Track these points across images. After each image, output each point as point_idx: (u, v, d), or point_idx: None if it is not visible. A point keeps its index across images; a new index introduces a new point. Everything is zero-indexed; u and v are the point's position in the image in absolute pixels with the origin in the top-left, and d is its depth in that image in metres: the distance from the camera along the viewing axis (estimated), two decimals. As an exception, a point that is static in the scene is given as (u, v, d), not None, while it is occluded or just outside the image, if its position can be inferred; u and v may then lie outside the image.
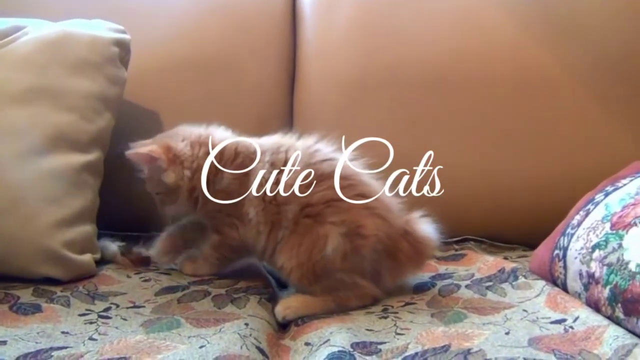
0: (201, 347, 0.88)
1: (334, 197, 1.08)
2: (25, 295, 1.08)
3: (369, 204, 1.09)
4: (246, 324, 0.97)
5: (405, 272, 1.15)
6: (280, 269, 1.12)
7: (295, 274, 1.09)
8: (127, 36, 1.38)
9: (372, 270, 1.10)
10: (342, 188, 1.08)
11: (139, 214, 1.44)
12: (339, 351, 0.88)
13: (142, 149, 1.14)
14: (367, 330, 0.98)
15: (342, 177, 1.09)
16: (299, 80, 1.57)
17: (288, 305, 1.07)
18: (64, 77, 1.26)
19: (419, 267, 1.17)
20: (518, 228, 1.42)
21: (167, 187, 1.16)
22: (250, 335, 0.93)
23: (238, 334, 0.92)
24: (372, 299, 1.10)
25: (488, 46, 1.49)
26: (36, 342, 0.90)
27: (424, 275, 1.22)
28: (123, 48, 1.36)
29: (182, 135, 1.18)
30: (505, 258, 1.31)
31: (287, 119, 1.55)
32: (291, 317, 1.06)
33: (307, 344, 0.95)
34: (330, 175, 1.09)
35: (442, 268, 1.27)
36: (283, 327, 1.06)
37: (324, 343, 0.92)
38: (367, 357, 0.88)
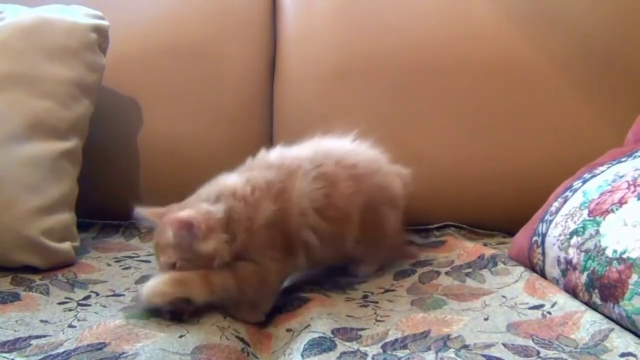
0: (180, 336, 0.88)
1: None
2: (4, 283, 1.07)
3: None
4: (224, 317, 0.96)
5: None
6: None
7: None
8: (105, 22, 1.36)
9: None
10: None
11: (118, 202, 1.43)
12: (319, 337, 0.88)
13: (182, 213, 0.99)
14: (348, 316, 0.98)
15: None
16: (280, 67, 1.56)
17: None
18: (41, 63, 1.25)
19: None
20: (497, 214, 1.43)
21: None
22: (229, 326, 0.93)
23: (217, 325, 0.92)
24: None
25: (469, 34, 1.49)
26: (15, 330, 0.89)
27: (404, 262, 1.23)
28: (101, 34, 1.35)
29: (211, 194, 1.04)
30: (485, 244, 1.31)
31: (268, 105, 1.54)
32: None
33: (288, 330, 0.95)
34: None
35: (423, 255, 1.28)
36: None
37: (304, 328, 0.92)
38: (347, 343, 0.88)
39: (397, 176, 1.23)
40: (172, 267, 0.98)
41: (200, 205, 1.01)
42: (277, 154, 1.12)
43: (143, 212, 1.04)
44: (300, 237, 1.06)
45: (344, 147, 1.18)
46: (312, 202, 1.06)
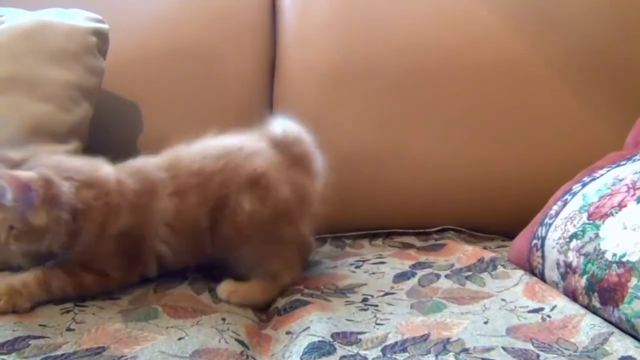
0: (180, 339, 0.88)
1: (224, 176, 1.06)
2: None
3: (245, 153, 1.08)
4: (223, 319, 0.96)
5: (313, 165, 1.12)
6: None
7: (225, 247, 1.08)
8: (105, 26, 1.36)
9: (293, 191, 1.07)
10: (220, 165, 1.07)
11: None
12: (319, 341, 0.88)
13: (22, 174, 0.94)
14: (347, 320, 0.98)
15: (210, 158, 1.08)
16: (279, 70, 1.57)
17: (234, 288, 1.07)
18: (41, 66, 1.25)
19: (316, 156, 1.13)
20: (497, 218, 1.43)
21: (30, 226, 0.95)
22: (228, 329, 0.93)
23: (216, 328, 0.92)
24: (298, 270, 1.13)
25: (467, 37, 1.50)
26: (13, 330, 0.89)
27: (404, 265, 1.23)
28: (101, 38, 1.35)
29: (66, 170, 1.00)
30: (485, 248, 1.31)
31: (267, 108, 1.54)
32: (236, 301, 1.05)
33: (288, 332, 0.95)
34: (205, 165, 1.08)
35: (422, 258, 1.27)
36: (266, 316, 1.07)
37: (303, 330, 0.92)
38: (347, 347, 0.88)
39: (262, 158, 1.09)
40: (10, 229, 0.95)
41: (48, 172, 0.96)
42: (142, 162, 1.10)
43: None
44: (153, 248, 1.05)
45: (194, 149, 1.11)
46: (164, 219, 1.04)
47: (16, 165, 0.97)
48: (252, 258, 1.09)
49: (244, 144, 1.10)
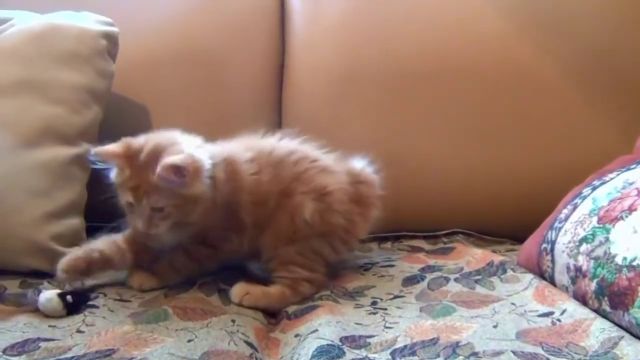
0: (189, 341, 0.88)
1: (298, 171, 1.14)
2: (13, 287, 1.07)
3: (323, 166, 1.17)
4: (233, 321, 0.96)
5: (371, 210, 1.21)
6: (262, 256, 1.15)
7: (272, 243, 1.13)
8: (115, 29, 1.37)
9: (346, 221, 1.16)
10: (296, 162, 1.15)
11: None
12: (327, 344, 0.88)
13: (173, 158, 1.01)
14: (356, 324, 0.98)
15: (290, 154, 1.16)
16: (288, 74, 1.57)
17: (247, 290, 1.08)
18: (51, 69, 1.26)
19: (377, 204, 1.22)
20: (506, 221, 1.43)
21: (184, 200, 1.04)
22: (238, 331, 0.93)
23: (225, 330, 0.92)
24: (321, 286, 1.13)
25: (477, 40, 1.50)
26: (23, 332, 0.90)
27: (413, 268, 1.23)
28: (111, 41, 1.35)
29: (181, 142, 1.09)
30: (494, 251, 1.31)
31: (276, 112, 1.54)
32: (248, 304, 1.06)
33: (296, 335, 0.95)
34: (285, 157, 1.16)
35: (432, 261, 1.27)
36: (275, 318, 1.07)
37: (312, 333, 0.92)
38: (356, 351, 0.88)
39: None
40: (160, 211, 1.04)
41: (182, 148, 1.05)
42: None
43: (101, 151, 1.06)
44: (244, 220, 1.12)
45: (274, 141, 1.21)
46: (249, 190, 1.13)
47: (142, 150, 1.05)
48: (285, 262, 1.12)
49: (321, 158, 1.19)
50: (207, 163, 1.05)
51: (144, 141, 1.07)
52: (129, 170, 1.04)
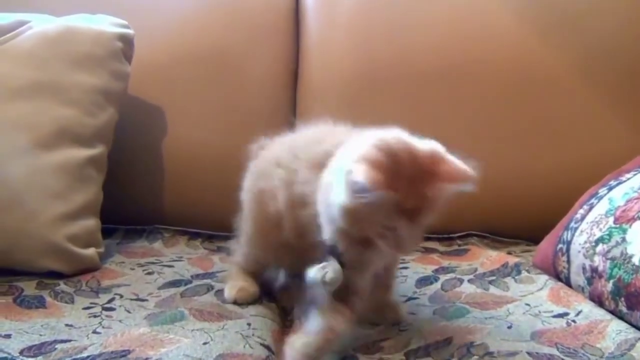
0: (205, 343, 0.88)
1: None
2: (29, 288, 1.08)
3: None
4: (248, 324, 0.96)
5: None
6: None
7: None
8: (130, 31, 1.38)
9: None
10: None
11: (143, 207, 1.45)
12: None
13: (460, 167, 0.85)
14: (370, 325, 0.98)
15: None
16: (302, 75, 1.57)
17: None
18: (67, 71, 1.26)
19: None
20: (522, 222, 1.42)
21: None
22: (253, 334, 0.92)
23: (241, 334, 0.92)
24: None
25: (492, 40, 1.49)
26: (40, 335, 0.90)
27: (426, 270, 1.23)
28: (127, 43, 1.36)
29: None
30: (509, 253, 1.31)
31: (290, 112, 1.55)
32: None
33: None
34: None
35: (445, 262, 1.27)
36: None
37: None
38: (369, 356, 0.87)
39: None
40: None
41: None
42: None
43: (367, 185, 0.75)
44: None
45: None
46: None
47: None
48: None
49: None
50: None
51: (392, 148, 0.81)
52: (398, 193, 0.78)
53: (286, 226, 0.95)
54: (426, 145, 0.85)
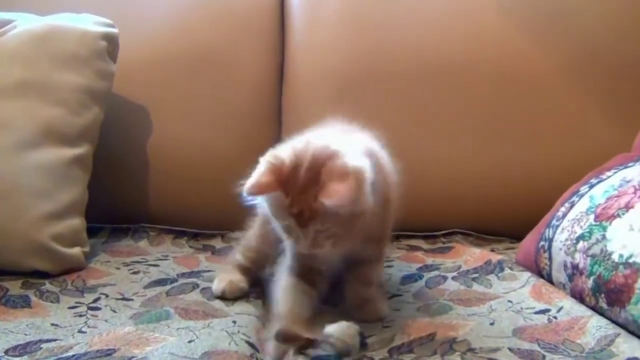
0: (190, 341, 0.88)
1: None
2: (14, 287, 1.08)
3: None
4: (234, 322, 0.97)
5: None
6: None
7: None
8: (115, 30, 1.38)
9: None
10: None
11: (128, 206, 1.45)
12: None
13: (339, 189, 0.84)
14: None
15: None
16: (288, 74, 1.57)
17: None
18: (52, 71, 1.26)
19: None
20: (505, 220, 1.43)
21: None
22: (239, 332, 0.93)
23: (226, 331, 0.92)
24: None
25: (474, 39, 1.50)
26: (25, 334, 0.91)
27: (411, 267, 1.23)
28: (111, 42, 1.36)
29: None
30: (492, 250, 1.32)
31: (276, 111, 1.55)
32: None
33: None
34: None
35: (430, 260, 1.28)
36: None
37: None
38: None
39: None
40: (324, 231, 0.88)
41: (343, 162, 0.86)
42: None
43: (254, 188, 0.86)
44: None
45: None
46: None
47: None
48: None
49: None
50: (370, 172, 0.88)
51: (293, 156, 0.88)
52: (288, 197, 0.86)
53: None
54: (336, 158, 0.87)
